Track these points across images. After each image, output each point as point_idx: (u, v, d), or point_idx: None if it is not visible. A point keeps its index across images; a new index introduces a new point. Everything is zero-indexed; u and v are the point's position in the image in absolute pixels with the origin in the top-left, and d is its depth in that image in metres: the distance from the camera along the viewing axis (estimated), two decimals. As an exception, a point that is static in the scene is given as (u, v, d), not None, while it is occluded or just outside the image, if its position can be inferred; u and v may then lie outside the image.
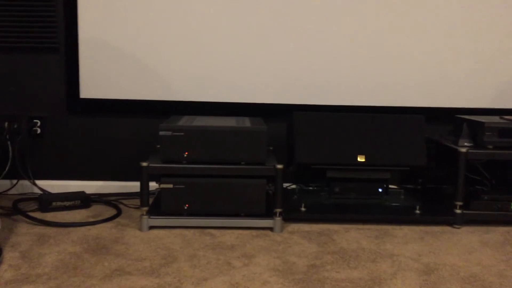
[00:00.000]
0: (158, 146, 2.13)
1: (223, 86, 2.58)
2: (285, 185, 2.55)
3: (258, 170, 2.11)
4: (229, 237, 2.05)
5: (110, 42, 2.52)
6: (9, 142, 2.54)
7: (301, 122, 2.29)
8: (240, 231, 2.11)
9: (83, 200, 2.40)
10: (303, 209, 2.25)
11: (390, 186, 2.47)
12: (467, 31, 2.58)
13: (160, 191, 2.12)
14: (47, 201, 2.33)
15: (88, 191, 2.49)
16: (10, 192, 2.57)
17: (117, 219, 2.24)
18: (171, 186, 2.10)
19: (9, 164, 2.53)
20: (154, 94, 2.57)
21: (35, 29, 2.49)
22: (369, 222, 2.26)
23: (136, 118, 2.61)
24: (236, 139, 2.10)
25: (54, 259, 1.80)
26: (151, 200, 2.21)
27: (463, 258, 1.91)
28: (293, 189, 2.60)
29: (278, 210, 2.12)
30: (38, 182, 2.60)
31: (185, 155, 2.09)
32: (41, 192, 2.56)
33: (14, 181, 2.58)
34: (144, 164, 2.08)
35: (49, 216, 2.25)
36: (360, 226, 2.21)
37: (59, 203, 2.34)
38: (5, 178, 2.55)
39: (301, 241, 2.03)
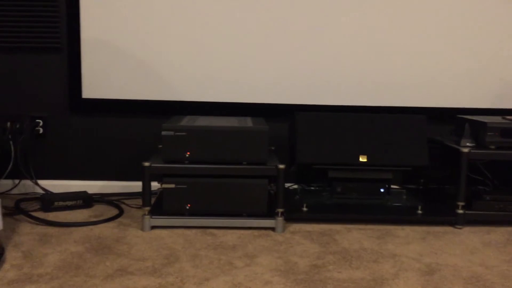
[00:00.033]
0: (160, 146, 2.14)
1: (225, 86, 2.58)
2: (286, 185, 2.55)
3: (260, 170, 2.11)
4: (231, 237, 2.05)
5: (112, 42, 2.52)
6: (11, 142, 2.54)
7: (303, 122, 2.29)
8: (242, 231, 2.11)
9: (85, 200, 2.40)
10: (305, 209, 2.25)
11: (392, 186, 2.47)
12: (469, 31, 2.58)
13: (162, 191, 2.12)
14: (49, 201, 2.33)
15: (90, 191, 2.49)
16: (13, 192, 2.58)
17: (119, 219, 2.25)
18: (173, 186, 2.10)
19: (11, 164, 2.54)
20: (156, 94, 2.57)
21: (37, 29, 2.50)
22: (371, 222, 2.25)
23: (138, 118, 2.61)
24: (238, 139, 2.10)
25: (56, 259, 1.80)
26: (153, 200, 2.22)
27: (465, 258, 1.91)
28: (294, 189, 2.60)
29: (280, 210, 2.12)
30: (40, 182, 2.60)
31: (187, 155, 2.10)
32: (43, 192, 2.56)
33: (17, 181, 2.59)
34: (146, 164, 2.09)
35: (51, 216, 2.25)
36: (362, 226, 2.21)
37: (61, 203, 2.35)
38: (7, 178, 2.56)
39: (303, 241, 2.03)
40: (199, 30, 2.53)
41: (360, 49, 2.57)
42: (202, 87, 2.58)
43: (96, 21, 2.51)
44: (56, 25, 2.50)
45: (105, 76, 2.55)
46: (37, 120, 2.58)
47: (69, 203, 2.36)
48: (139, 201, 2.34)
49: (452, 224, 2.24)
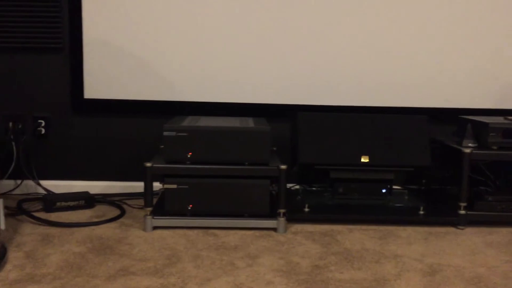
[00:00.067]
0: (162, 146, 2.14)
1: (226, 87, 2.58)
2: (288, 185, 2.55)
3: (262, 170, 2.11)
4: (232, 237, 2.05)
5: (114, 43, 2.53)
6: (13, 142, 2.54)
7: (305, 122, 2.29)
8: (243, 232, 2.11)
9: (87, 200, 2.40)
10: (306, 209, 2.25)
11: (394, 186, 2.46)
12: (471, 31, 2.58)
13: (164, 191, 2.12)
14: (51, 201, 2.33)
15: (92, 191, 2.49)
16: (15, 192, 2.58)
17: (121, 219, 2.25)
18: (175, 186, 2.10)
19: (13, 164, 2.54)
20: (157, 94, 2.58)
21: (39, 29, 2.50)
22: (372, 222, 2.25)
23: (139, 119, 2.62)
24: (239, 140, 2.10)
25: (58, 259, 1.81)
26: (155, 201, 2.22)
27: (467, 259, 1.91)
28: (296, 189, 2.60)
29: (282, 210, 2.12)
30: (43, 182, 2.60)
31: (189, 156, 2.10)
32: (46, 192, 2.56)
33: (19, 181, 2.59)
34: (148, 164, 2.09)
35: (53, 216, 2.25)
36: (364, 227, 2.21)
37: (63, 203, 2.35)
38: (9, 178, 2.56)
39: (304, 242, 2.03)
40: (201, 30, 2.53)
41: (362, 49, 2.57)
42: (203, 87, 2.58)
43: (98, 22, 2.51)
44: (58, 26, 2.51)
45: (107, 76, 2.55)
46: (39, 121, 2.58)
47: (71, 203, 2.37)
48: (141, 202, 2.34)
49: (454, 224, 2.24)
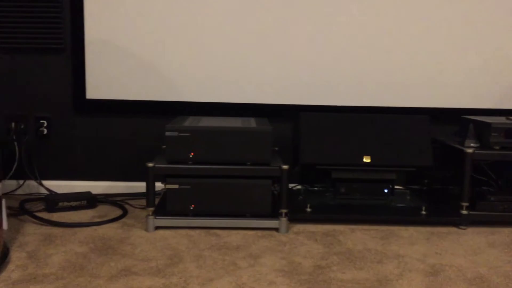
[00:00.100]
0: (164, 146, 2.14)
1: (227, 87, 2.58)
2: (290, 185, 2.55)
3: (264, 170, 2.11)
4: (234, 237, 2.06)
5: (116, 43, 2.53)
6: (15, 143, 2.55)
7: (307, 122, 2.29)
8: (245, 232, 2.11)
9: (89, 200, 2.41)
10: (308, 209, 2.25)
11: (396, 186, 2.46)
12: (472, 31, 2.57)
13: (166, 191, 2.13)
14: (53, 201, 2.34)
15: (94, 192, 2.50)
16: (17, 192, 2.58)
17: (123, 220, 2.25)
18: (177, 186, 2.11)
19: (15, 164, 2.55)
20: (159, 94, 2.58)
21: (41, 30, 2.50)
22: (374, 222, 2.25)
23: (141, 119, 2.62)
24: (241, 140, 2.10)
25: (60, 259, 1.81)
26: (157, 201, 2.22)
27: (469, 259, 1.90)
28: (298, 189, 2.60)
29: (284, 210, 2.12)
30: (45, 182, 2.61)
31: (191, 156, 2.10)
32: (48, 193, 2.57)
33: (21, 182, 2.59)
34: (150, 164, 2.09)
35: (56, 216, 2.26)
36: (366, 227, 2.21)
37: (65, 203, 2.35)
38: (12, 178, 2.57)
39: (306, 242, 2.03)
40: (202, 30, 2.54)
41: (364, 50, 2.57)
42: (205, 87, 2.58)
43: (99, 23, 2.51)
44: (60, 26, 2.51)
45: (109, 76, 2.55)
46: (41, 121, 2.59)
47: (73, 203, 2.37)
48: (143, 202, 2.34)
49: (456, 224, 2.24)
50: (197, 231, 2.11)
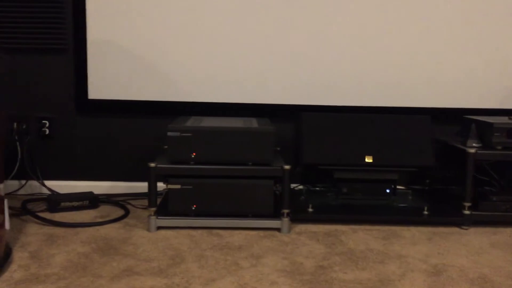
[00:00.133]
0: (166, 146, 2.14)
1: (230, 87, 2.58)
2: (292, 185, 2.55)
3: (266, 170, 2.11)
4: (236, 237, 2.06)
5: (118, 43, 2.53)
6: (18, 143, 2.55)
7: (309, 122, 2.29)
8: (247, 232, 2.11)
9: (91, 200, 2.41)
10: (310, 209, 2.25)
11: (398, 186, 2.46)
12: (474, 31, 2.57)
13: (168, 191, 2.13)
14: (55, 201, 2.34)
15: (96, 192, 2.50)
16: (19, 192, 2.59)
17: (125, 220, 2.25)
18: (178, 186, 2.11)
19: (18, 164, 2.55)
20: (161, 95, 2.58)
21: (44, 30, 2.51)
22: (376, 223, 2.25)
23: (143, 119, 2.62)
24: (243, 140, 2.10)
25: (63, 259, 1.81)
26: (158, 201, 2.22)
27: (471, 259, 1.90)
28: (300, 189, 2.60)
29: (286, 210, 2.12)
30: (47, 182, 2.61)
31: (193, 156, 2.10)
32: (50, 193, 2.57)
33: (23, 182, 2.60)
34: (152, 164, 2.09)
35: (58, 217, 2.26)
36: (368, 227, 2.21)
37: (67, 204, 2.36)
38: (14, 178, 2.57)
39: (308, 242, 2.03)
40: (203, 31, 2.54)
41: (366, 50, 2.57)
42: (207, 87, 2.58)
43: (101, 23, 2.51)
44: (62, 26, 2.51)
45: (111, 77, 2.56)
46: (43, 121, 2.59)
47: (75, 203, 2.37)
48: (145, 202, 2.34)
49: (458, 225, 2.24)
50: (199, 231, 2.11)
